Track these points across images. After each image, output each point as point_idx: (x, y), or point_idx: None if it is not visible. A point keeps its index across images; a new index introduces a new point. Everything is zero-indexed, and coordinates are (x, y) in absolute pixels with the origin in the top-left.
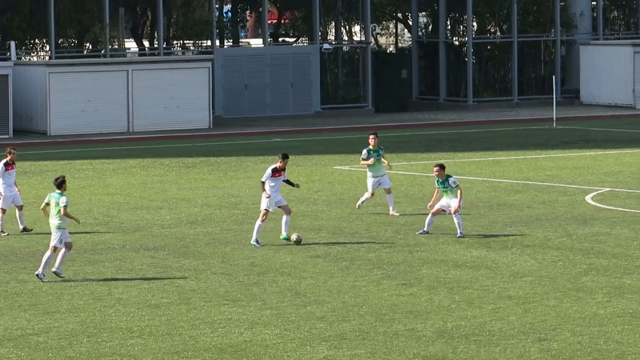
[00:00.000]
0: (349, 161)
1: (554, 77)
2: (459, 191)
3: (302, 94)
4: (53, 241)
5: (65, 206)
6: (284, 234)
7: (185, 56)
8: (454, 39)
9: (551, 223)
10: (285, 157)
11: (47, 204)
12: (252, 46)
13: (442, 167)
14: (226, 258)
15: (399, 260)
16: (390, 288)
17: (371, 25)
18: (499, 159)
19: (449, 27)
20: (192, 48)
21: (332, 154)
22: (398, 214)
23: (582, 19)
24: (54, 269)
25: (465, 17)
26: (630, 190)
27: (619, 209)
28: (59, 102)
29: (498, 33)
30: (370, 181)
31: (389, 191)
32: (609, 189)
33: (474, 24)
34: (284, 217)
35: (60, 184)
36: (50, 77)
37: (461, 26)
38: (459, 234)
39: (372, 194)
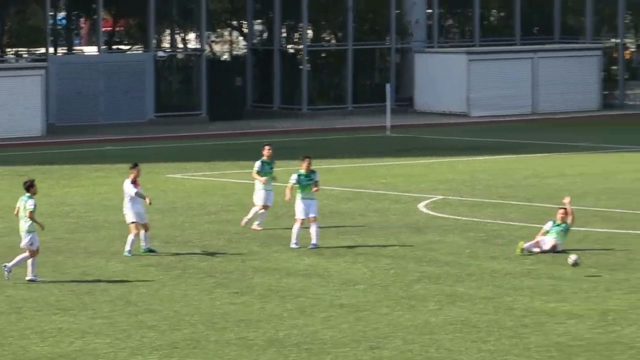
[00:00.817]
0: (182, 169)
1: (387, 84)
2: (316, 188)
3: (136, 102)
4: (23, 243)
5: (31, 210)
6: (144, 247)
7: (18, 64)
8: (289, 46)
9: (384, 231)
10: (134, 165)
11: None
12: (86, 54)
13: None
14: (58, 267)
15: (231, 268)
16: (223, 297)
17: (206, 33)
18: (333, 166)
19: (284, 34)
20: (25, 55)
21: (166, 162)
22: (260, 229)
23: (417, 27)
24: (28, 277)
25: (300, 24)
26: (462, 198)
27: (452, 216)
28: None
29: (333, 41)
30: (260, 194)
31: (267, 207)
32: (441, 196)
33: (309, 31)
34: (143, 233)
35: (29, 187)
36: None
37: (296, 34)
38: (312, 244)
39: (264, 206)
